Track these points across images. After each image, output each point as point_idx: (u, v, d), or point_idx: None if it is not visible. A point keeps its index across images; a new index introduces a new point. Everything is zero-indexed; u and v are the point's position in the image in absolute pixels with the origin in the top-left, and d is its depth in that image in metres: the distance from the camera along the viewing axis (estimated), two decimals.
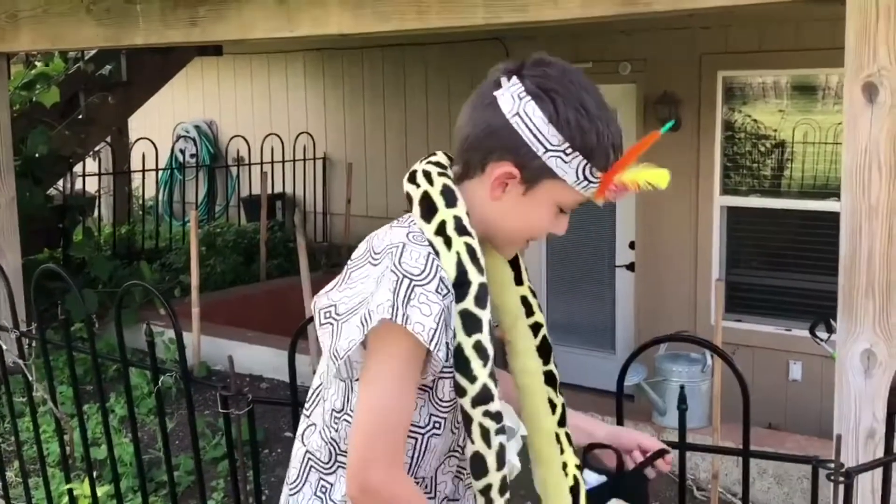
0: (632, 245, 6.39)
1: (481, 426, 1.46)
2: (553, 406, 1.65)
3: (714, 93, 5.93)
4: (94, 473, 3.30)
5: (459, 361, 1.45)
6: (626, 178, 1.50)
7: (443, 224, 1.47)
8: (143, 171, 7.72)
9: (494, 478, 1.49)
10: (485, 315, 1.45)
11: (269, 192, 7.76)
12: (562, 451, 1.64)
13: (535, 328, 1.65)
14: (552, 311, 6.80)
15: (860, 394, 2.51)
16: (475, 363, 1.45)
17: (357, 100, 7.80)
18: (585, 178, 1.50)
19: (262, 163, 7.92)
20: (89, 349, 3.02)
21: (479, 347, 1.45)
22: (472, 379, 1.45)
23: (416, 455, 1.55)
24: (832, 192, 5.72)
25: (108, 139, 7.54)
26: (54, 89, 5.67)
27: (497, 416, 1.47)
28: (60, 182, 6.77)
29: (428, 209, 1.49)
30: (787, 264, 5.94)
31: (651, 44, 6.02)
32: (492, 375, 1.47)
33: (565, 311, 6.78)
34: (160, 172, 8.41)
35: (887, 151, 2.41)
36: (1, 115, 5.14)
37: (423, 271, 1.42)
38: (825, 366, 5.57)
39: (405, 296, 1.40)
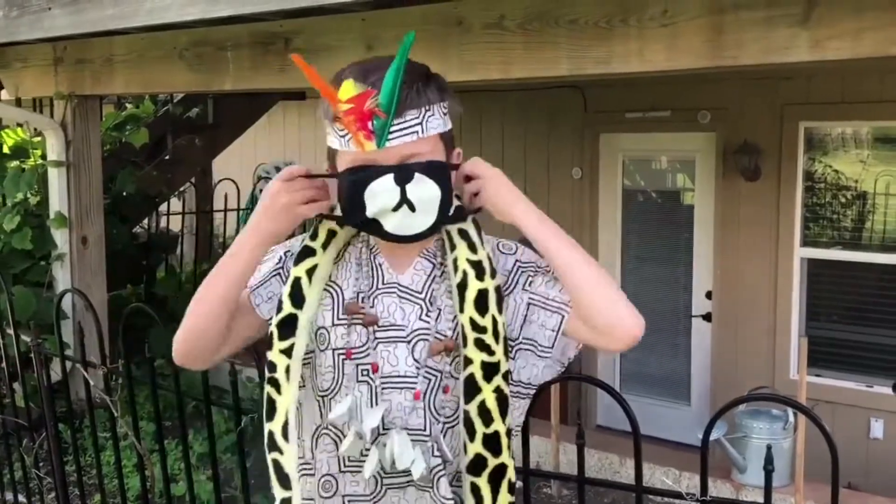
0: (708, 295, 6.31)
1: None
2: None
3: (795, 143, 5.86)
4: None
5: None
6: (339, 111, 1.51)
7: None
8: (225, 210, 7.90)
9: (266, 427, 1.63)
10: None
11: None
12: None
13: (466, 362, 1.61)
14: (626, 360, 6.74)
15: None
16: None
17: None
18: (338, 135, 1.57)
19: None
20: (173, 386, 3.09)
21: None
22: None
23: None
24: None
25: (193, 179, 7.73)
26: (143, 130, 5.83)
27: (269, 366, 1.62)
28: (146, 220, 6.95)
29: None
30: (870, 319, 5.81)
31: (731, 93, 5.99)
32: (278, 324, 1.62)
33: (640, 360, 6.71)
34: (241, 212, 8.58)
35: None
36: (93, 154, 5.32)
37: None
38: None
39: None
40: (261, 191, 8.95)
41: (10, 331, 3.86)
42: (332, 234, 1.67)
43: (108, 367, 3.37)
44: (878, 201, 5.83)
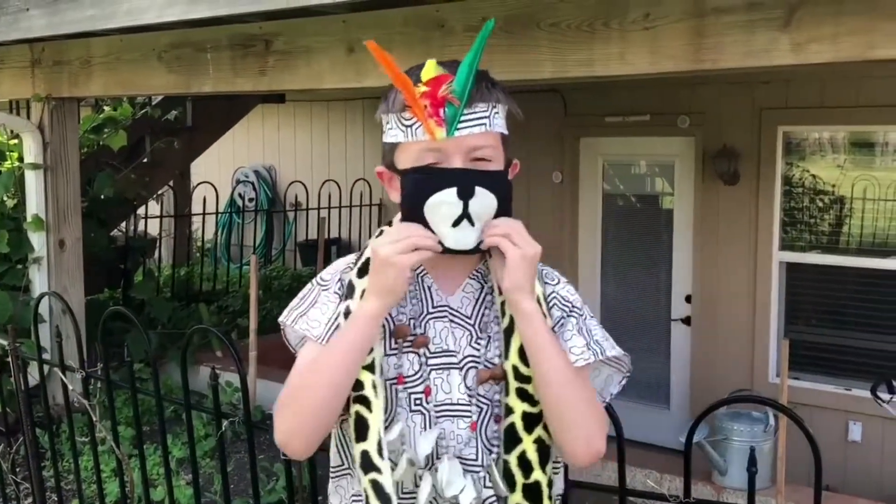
0: (688, 298, 6.33)
1: None
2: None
3: (774, 147, 5.90)
4: None
5: None
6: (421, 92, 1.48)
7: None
8: (204, 214, 7.86)
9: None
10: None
11: (326, 237, 7.84)
12: None
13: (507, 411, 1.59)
14: None
15: None
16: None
17: None
18: (403, 126, 1.53)
19: (319, 208, 8.03)
20: (152, 390, 3.06)
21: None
22: None
23: None
24: (893, 249, 5.65)
25: (171, 183, 7.69)
26: (122, 133, 5.78)
27: (353, 384, 1.55)
28: (123, 223, 6.90)
29: None
30: (848, 322, 5.85)
31: (710, 97, 6.02)
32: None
33: None
34: (219, 216, 8.54)
35: None
36: (70, 157, 5.28)
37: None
38: (886, 427, 5.46)
39: None
40: (240, 195, 8.92)
41: None
42: None
43: (87, 370, 3.34)
44: (855, 205, 5.87)
